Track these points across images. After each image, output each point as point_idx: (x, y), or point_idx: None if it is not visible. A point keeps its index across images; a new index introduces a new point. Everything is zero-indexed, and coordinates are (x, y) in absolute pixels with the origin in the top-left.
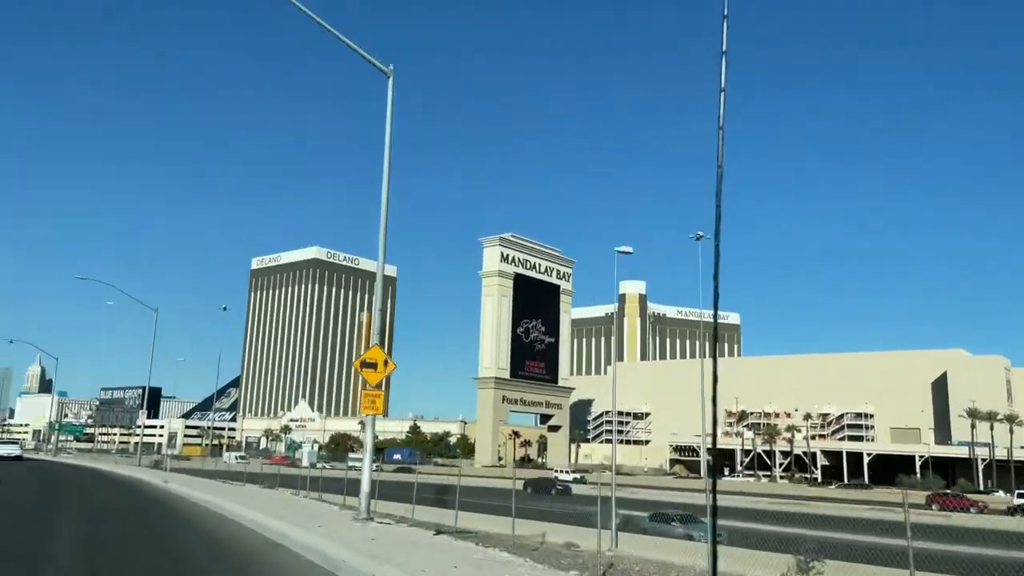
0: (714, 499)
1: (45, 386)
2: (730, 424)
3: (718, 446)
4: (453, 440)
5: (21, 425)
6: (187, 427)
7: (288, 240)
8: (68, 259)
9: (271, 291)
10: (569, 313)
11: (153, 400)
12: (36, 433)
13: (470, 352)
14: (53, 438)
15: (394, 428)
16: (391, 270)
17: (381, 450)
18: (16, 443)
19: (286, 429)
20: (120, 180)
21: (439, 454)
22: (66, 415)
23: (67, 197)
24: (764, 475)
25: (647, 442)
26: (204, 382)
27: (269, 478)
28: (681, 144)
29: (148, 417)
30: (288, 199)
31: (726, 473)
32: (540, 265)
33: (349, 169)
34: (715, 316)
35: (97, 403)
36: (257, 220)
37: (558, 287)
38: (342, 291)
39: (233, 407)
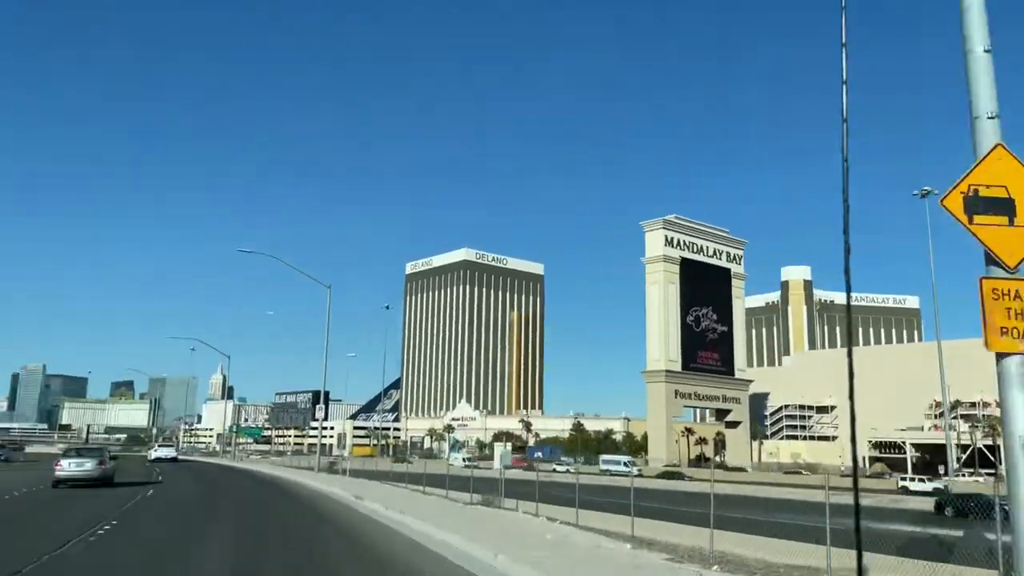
0: (856, 497)
1: (227, 393)
2: (938, 415)
3: (925, 441)
4: (618, 438)
5: (207, 429)
6: (355, 428)
7: (440, 243)
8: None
9: (425, 294)
10: (742, 299)
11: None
12: (219, 436)
13: (629, 346)
14: (232, 440)
15: (555, 426)
16: (537, 268)
17: (521, 448)
18: (171, 446)
19: (449, 428)
20: (279, 187)
21: (604, 453)
22: (245, 419)
23: (236, 208)
24: (987, 473)
25: (834, 438)
26: (366, 386)
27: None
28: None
29: (316, 419)
30: (438, 203)
31: (940, 472)
32: (708, 248)
33: (496, 169)
34: (848, 310)
35: (271, 407)
36: (410, 225)
37: (728, 271)
38: (491, 291)
39: (395, 408)
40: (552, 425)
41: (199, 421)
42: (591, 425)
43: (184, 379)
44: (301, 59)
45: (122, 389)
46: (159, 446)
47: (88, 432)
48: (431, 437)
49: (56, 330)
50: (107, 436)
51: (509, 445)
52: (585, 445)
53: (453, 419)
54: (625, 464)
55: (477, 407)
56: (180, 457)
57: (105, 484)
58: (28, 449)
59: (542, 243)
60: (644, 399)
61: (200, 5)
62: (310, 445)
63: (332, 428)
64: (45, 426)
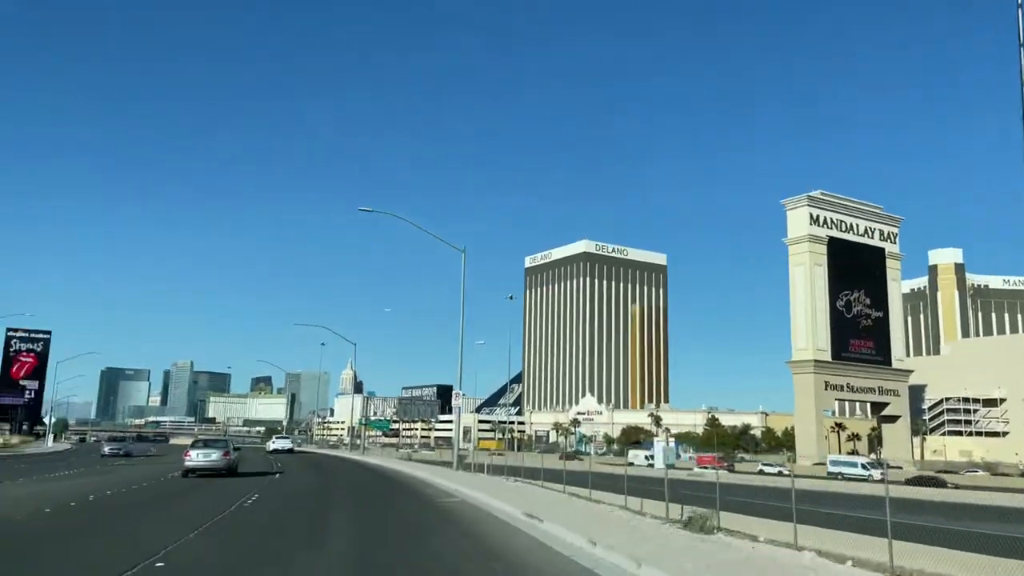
0: None
1: (357, 387)
2: None
3: None
4: (757, 433)
5: (338, 422)
6: (479, 421)
7: (559, 236)
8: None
9: (545, 287)
10: (899, 282)
11: (446, 396)
12: (350, 429)
13: (763, 337)
14: (362, 433)
15: (687, 420)
16: (660, 258)
17: (638, 442)
18: (288, 438)
19: (575, 423)
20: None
21: (742, 448)
22: (373, 412)
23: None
24: None
25: (1004, 434)
26: (487, 380)
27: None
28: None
29: (442, 412)
30: (557, 196)
31: None
32: (858, 226)
33: (616, 157)
34: None
35: (399, 400)
36: (530, 219)
37: (882, 250)
38: (612, 283)
39: (517, 402)
40: (684, 420)
41: (331, 414)
42: (725, 420)
43: (317, 374)
44: (426, 47)
45: (261, 384)
46: (276, 438)
47: (227, 425)
48: (556, 431)
49: (202, 330)
50: (248, 429)
51: (672, 440)
52: (722, 441)
53: (578, 413)
54: (864, 466)
55: (600, 401)
56: (300, 449)
57: (230, 474)
58: (172, 440)
59: (665, 232)
60: (781, 392)
61: None
62: (437, 438)
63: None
64: (192, 419)
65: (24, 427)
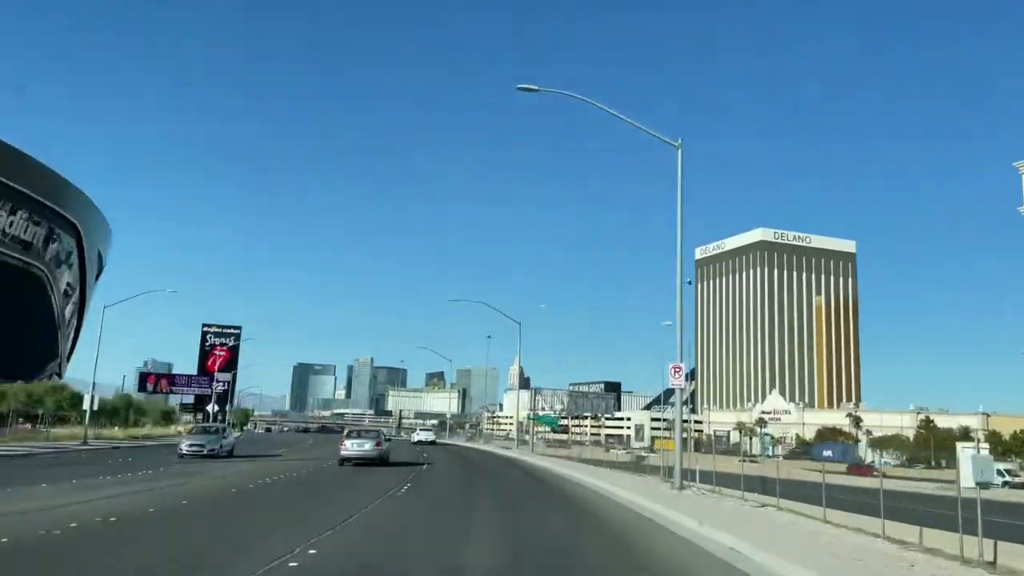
0: None
1: (524, 383)
2: None
3: None
4: (980, 436)
5: (506, 417)
6: (652, 419)
7: (733, 224)
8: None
9: (718, 280)
10: None
11: (615, 392)
12: (518, 424)
13: (976, 328)
14: (531, 428)
15: (892, 422)
16: (849, 245)
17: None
18: (431, 430)
19: (761, 422)
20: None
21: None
22: (542, 408)
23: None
24: None
25: None
26: (655, 378)
27: None
28: None
29: (611, 410)
30: (729, 182)
31: None
32: None
33: (784, 143)
34: None
35: (567, 395)
36: (699, 207)
37: None
38: (793, 273)
39: (689, 400)
40: (889, 421)
41: (500, 409)
42: (939, 422)
43: (485, 370)
44: (579, 33)
45: (434, 380)
46: (420, 430)
47: (400, 417)
48: (740, 431)
49: (380, 327)
50: (423, 421)
51: (985, 448)
52: (940, 445)
53: (763, 412)
54: None
55: (786, 399)
56: (446, 441)
57: (382, 463)
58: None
59: (853, 217)
60: (1006, 391)
61: None
62: (607, 436)
63: (628, 419)
64: (372, 412)
65: (219, 417)
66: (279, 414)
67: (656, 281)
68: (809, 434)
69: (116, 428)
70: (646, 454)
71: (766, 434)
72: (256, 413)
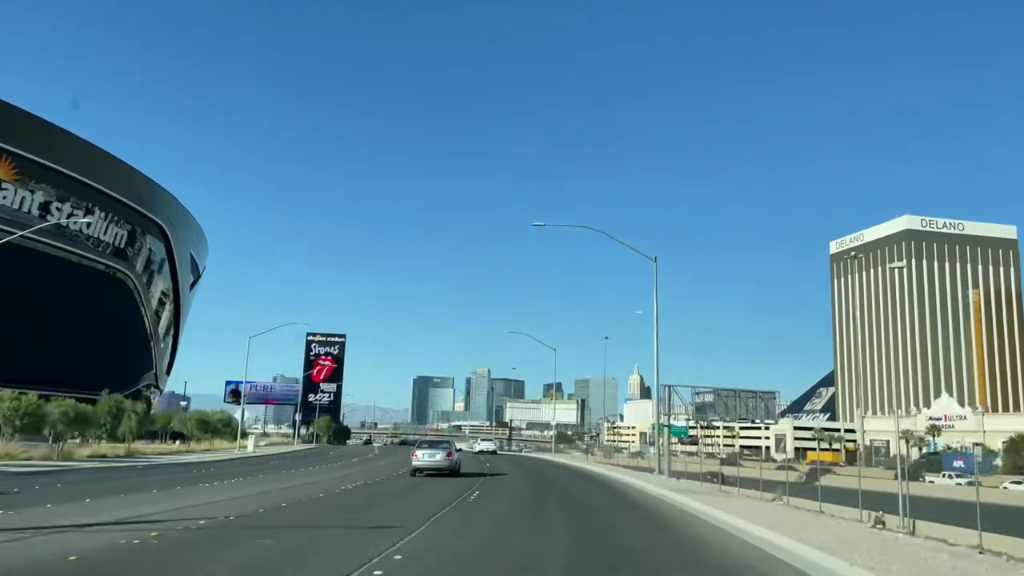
0: None
1: (645, 392)
2: None
3: None
4: None
5: (628, 427)
6: (796, 428)
7: (872, 214)
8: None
9: (858, 275)
10: None
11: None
12: (642, 435)
13: None
14: (659, 440)
15: None
16: (1008, 231)
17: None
18: (491, 440)
19: (934, 430)
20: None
21: None
22: (672, 416)
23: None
24: None
25: None
26: (791, 382)
27: None
28: None
29: (772, 415)
30: (869, 170)
31: None
32: None
33: (939, 125)
34: None
35: (694, 407)
36: (834, 198)
37: None
38: (945, 264)
39: (827, 407)
40: None
41: (621, 420)
42: None
43: (604, 380)
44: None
45: (552, 391)
46: (481, 440)
47: (510, 427)
48: (907, 440)
49: (496, 339)
50: (540, 431)
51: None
52: None
53: (932, 418)
54: None
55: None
56: (547, 457)
57: (452, 474)
58: (486, 443)
59: (1012, 199)
60: None
61: None
62: (743, 447)
63: (766, 427)
64: (489, 423)
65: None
66: (400, 427)
67: (792, 278)
68: (993, 443)
69: (174, 443)
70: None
71: (940, 444)
72: (379, 426)
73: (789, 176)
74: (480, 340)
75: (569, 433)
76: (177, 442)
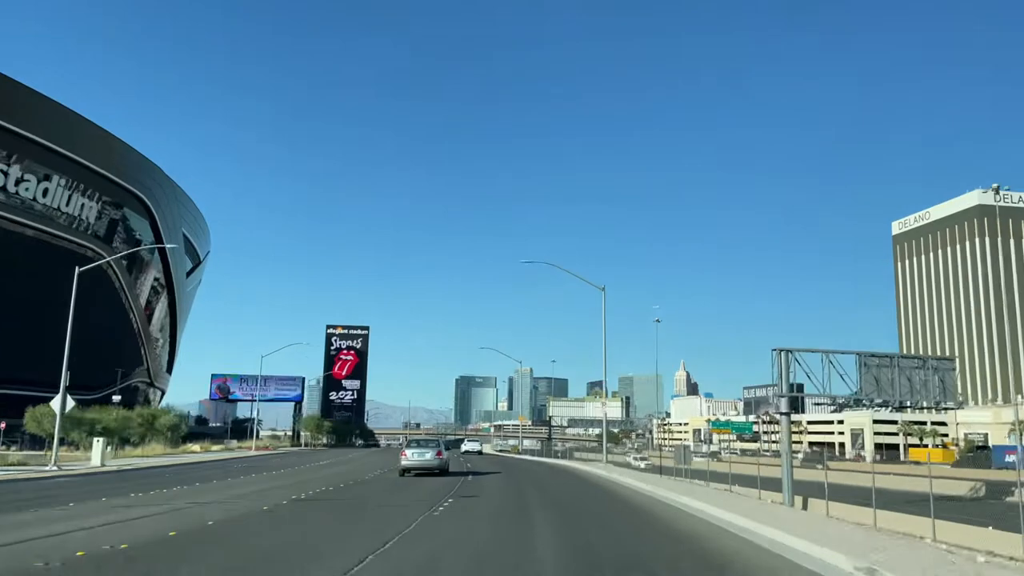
0: None
1: (691, 388)
2: None
3: None
4: None
5: (679, 424)
6: (875, 422)
7: (939, 190)
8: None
9: (923, 257)
10: None
11: (795, 398)
12: (695, 432)
13: None
14: (715, 437)
15: None
16: None
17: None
18: (478, 441)
19: None
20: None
21: None
22: (712, 415)
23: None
24: None
25: None
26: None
27: None
28: None
29: (794, 413)
30: (927, 143)
31: None
32: None
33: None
34: None
35: (743, 402)
36: (897, 176)
37: None
38: (1022, 241)
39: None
40: None
41: (668, 416)
42: None
43: (650, 377)
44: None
45: (596, 389)
46: (468, 441)
47: (549, 425)
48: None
49: (538, 338)
50: (584, 429)
51: None
52: None
53: None
54: None
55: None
56: (573, 466)
57: (442, 473)
58: (512, 441)
59: None
60: None
61: None
62: (811, 444)
63: (839, 423)
64: (530, 422)
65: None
66: (441, 427)
67: (850, 258)
68: None
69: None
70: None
71: None
72: (422, 426)
73: (846, 152)
74: (523, 339)
75: (616, 431)
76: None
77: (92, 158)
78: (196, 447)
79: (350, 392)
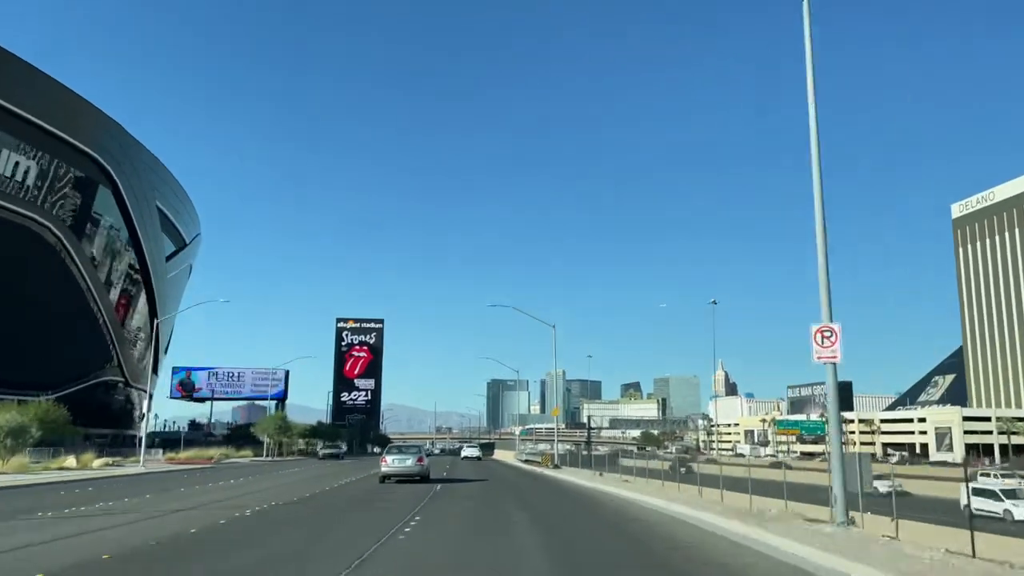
0: None
1: (730, 389)
2: None
3: None
4: None
5: (727, 424)
6: (965, 419)
7: (999, 170)
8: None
9: (986, 241)
10: None
11: (844, 395)
12: (747, 434)
13: None
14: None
15: None
16: None
17: None
18: (477, 447)
19: None
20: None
21: None
22: (754, 414)
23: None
24: None
25: None
26: (897, 374)
27: None
28: None
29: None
30: (995, 118)
31: None
32: None
33: None
34: None
35: (788, 402)
36: (958, 155)
37: None
38: None
39: (948, 397)
40: None
41: (704, 419)
42: None
43: (686, 378)
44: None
45: (630, 391)
46: (467, 447)
47: (589, 428)
48: None
49: (573, 340)
50: (622, 432)
51: None
52: None
53: None
54: None
55: None
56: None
57: (423, 480)
58: (543, 446)
59: None
60: None
61: None
62: (885, 446)
63: (921, 421)
64: (564, 425)
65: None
66: (473, 431)
67: (908, 246)
68: None
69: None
70: None
71: None
72: (453, 431)
73: (904, 130)
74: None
75: (656, 433)
76: None
77: (37, 111)
78: (71, 460)
79: (363, 393)
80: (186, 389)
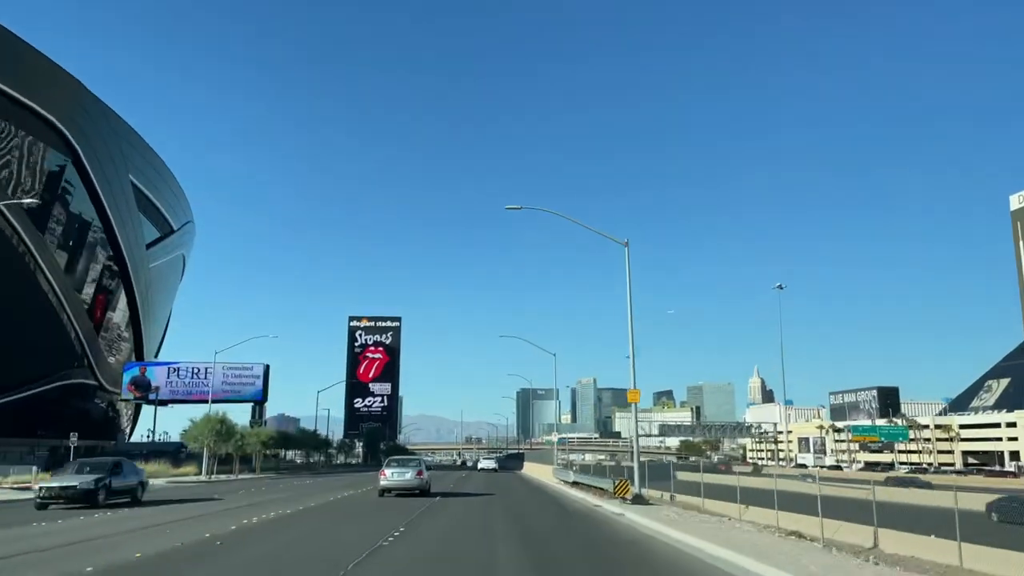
0: None
1: (767, 396)
2: None
3: None
4: None
5: (781, 432)
6: None
7: None
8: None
9: None
10: None
11: (890, 401)
12: (802, 442)
13: None
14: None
15: None
16: None
17: None
18: (493, 459)
19: None
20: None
21: None
22: (794, 422)
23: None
24: None
25: None
26: (952, 377)
27: None
28: None
29: (882, 416)
30: None
31: None
32: None
33: None
34: None
35: (824, 409)
36: (1011, 148)
37: None
38: None
39: (1003, 402)
40: None
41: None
42: None
43: (720, 385)
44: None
45: (663, 399)
46: (484, 459)
47: (632, 438)
48: None
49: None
50: (661, 440)
51: None
52: None
53: None
54: None
55: None
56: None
57: (423, 494)
58: (574, 455)
59: None
60: None
61: None
62: (966, 455)
63: (1010, 426)
64: (597, 435)
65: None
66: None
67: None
68: None
69: None
70: None
71: None
72: (483, 440)
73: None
74: (586, 347)
75: (697, 441)
76: None
77: None
78: None
79: (379, 398)
80: (140, 389)
